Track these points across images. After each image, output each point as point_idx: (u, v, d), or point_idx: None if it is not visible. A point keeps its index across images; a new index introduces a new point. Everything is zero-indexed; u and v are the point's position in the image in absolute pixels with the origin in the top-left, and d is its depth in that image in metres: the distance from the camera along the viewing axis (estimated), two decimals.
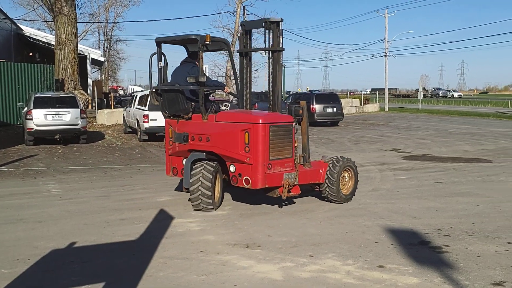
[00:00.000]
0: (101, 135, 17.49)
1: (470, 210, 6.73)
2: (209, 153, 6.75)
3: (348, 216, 6.47)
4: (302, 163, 6.97)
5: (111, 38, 58.29)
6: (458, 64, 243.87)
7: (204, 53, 6.90)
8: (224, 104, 6.89)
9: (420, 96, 42.09)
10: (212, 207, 6.57)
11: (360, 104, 38.74)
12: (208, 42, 6.58)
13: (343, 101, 35.11)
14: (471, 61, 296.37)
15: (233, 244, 5.22)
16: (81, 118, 14.68)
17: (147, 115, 15.39)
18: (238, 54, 7.54)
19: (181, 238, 5.46)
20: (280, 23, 7.04)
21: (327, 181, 7.03)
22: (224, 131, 6.51)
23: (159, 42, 7.09)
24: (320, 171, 7.05)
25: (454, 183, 8.82)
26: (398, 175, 9.70)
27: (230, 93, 9.01)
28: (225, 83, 8.29)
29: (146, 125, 15.40)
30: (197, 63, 6.92)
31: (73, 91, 20.78)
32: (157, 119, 15.42)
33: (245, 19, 33.91)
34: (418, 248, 5.12)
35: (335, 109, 23.64)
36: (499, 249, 5.04)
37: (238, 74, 7.50)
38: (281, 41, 7.03)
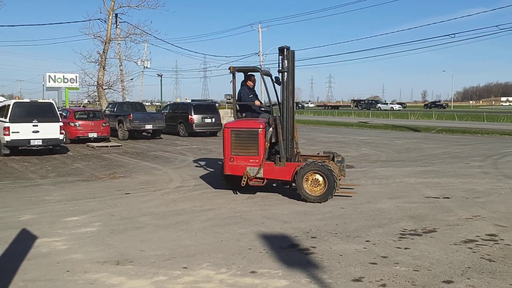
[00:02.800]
0: None
1: (334, 213, 7.25)
2: None
3: (223, 225, 6.56)
4: (274, 161, 8.32)
5: None
6: (326, 78, 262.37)
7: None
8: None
9: (294, 107, 44.43)
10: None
11: None
12: (231, 72, 8.81)
13: (222, 111, 35.68)
14: (337, 75, 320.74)
15: (103, 262, 4.98)
16: None
17: (8, 127, 14.12)
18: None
19: (45, 259, 5.06)
20: (284, 50, 8.23)
21: (294, 179, 8.05)
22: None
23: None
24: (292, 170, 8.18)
25: None
26: (272, 182, 10.08)
27: (260, 106, 9.60)
28: (255, 99, 9.48)
29: (7, 138, 14.11)
30: (246, 85, 9.41)
31: None
32: (19, 131, 14.26)
33: (118, 26, 32.89)
34: (288, 251, 5.37)
35: (213, 119, 23.92)
36: (358, 247, 5.49)
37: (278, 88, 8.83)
38: (285, 64, 8.26)
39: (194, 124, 23.29)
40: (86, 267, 4.81)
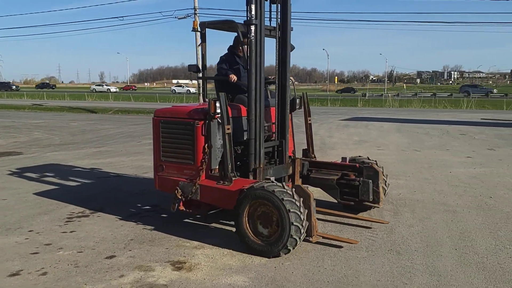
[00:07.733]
0: None
1: None
2: None
3: None
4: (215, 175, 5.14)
5: None
6: None
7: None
8: None
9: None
10: None
11: None
12: (197, 30, 5.82)
13: None
14: (6, 53, 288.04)
15: None
16: None
17: None
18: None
19: None
20: None
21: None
22: None
23: None
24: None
25: None
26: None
27: (239, 82, 5.77)
28: (231, 73, 5.82)
29: None
30: (234, 52, 5.98)
31: None
32: None
33: None
34: None
35: None
36: (19, 239, 5.07)
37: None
38: (252, 12, 5.05)
39: None
40: None
